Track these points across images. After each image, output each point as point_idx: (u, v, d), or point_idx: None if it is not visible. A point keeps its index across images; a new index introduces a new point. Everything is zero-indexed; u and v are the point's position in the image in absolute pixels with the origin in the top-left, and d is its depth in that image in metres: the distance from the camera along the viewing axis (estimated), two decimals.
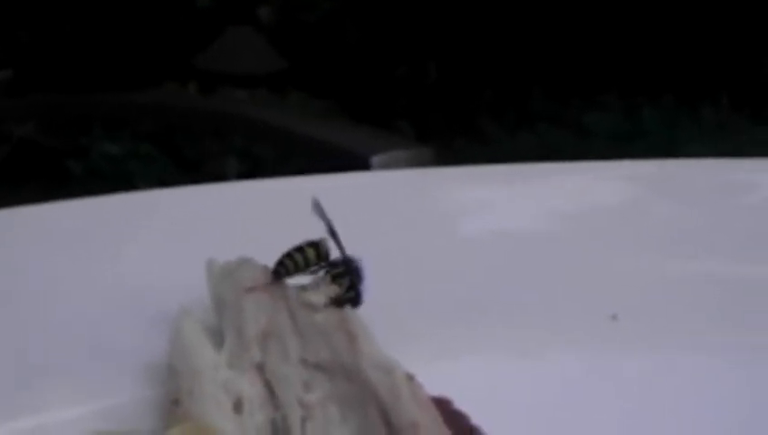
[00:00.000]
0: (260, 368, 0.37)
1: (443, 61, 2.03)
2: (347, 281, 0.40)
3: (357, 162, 1.14)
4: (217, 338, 0.39)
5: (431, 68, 2.03)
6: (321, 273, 0.40)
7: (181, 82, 2.03)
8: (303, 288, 0.39)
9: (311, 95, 1.96)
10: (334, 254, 0.40)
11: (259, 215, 0.47)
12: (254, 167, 1.67)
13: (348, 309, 0.39)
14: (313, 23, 2.05)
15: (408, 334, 0.39)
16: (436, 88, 2.01)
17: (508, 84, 1.94)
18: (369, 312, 0.39)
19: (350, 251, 0.40)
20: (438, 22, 2.02)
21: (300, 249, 0.40)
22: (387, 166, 1.13)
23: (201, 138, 1.79)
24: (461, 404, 0.36)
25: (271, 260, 0.40)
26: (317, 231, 0.40)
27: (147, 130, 1.81)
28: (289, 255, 0.40)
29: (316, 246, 0.40)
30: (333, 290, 0.39)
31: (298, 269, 0.40)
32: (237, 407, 0.36)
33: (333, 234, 0.40)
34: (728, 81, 1.89)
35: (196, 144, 1.80)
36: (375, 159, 1.15)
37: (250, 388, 0.37)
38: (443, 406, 0.35)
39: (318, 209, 0.41)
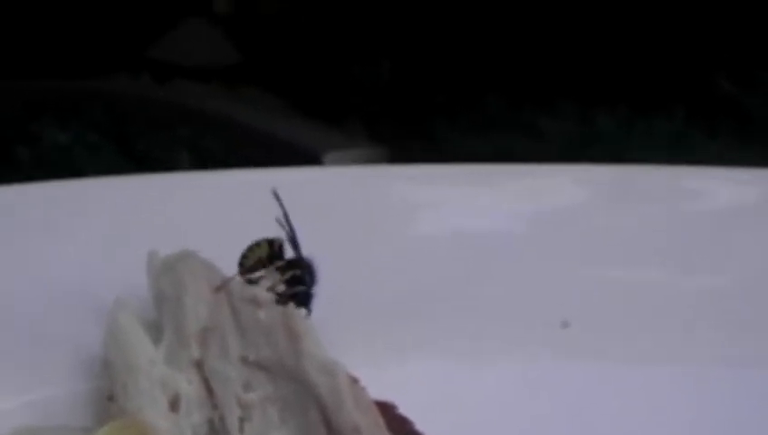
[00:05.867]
0: (199, 365, 0.36)
1: (398, 61, 2.02)
2: (297, 278, 0.38)
3: (309, 159, 1.13)
4: (156, 333, 0.38)
5: (386, 68, 2.03)
6: (273, 270, 0.39)
7: (134, 72, 2.01)
8: (248, 283, 0.38)
9: (264, 90, 1.94)
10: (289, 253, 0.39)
11: (205, 207, 0.46)
12: (205, 160, 1.66)
13: (292, 306, 0.37)
14: (271, 16, 2.03)
15: (352, 336, 0.38)
16: (390, 88, 2.01)
17: (463, 87, 1.93)
18: (315, 311, 0.38)
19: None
20: (395, 22, 2.02)
21: (258, 245, 0.39)
22: (340, 164, 1.12)
23: (152, 129, 1.77)
24: (406, 409, 0.35)
25: (215, 254, 0.39)
26: (264, 225, 0.39)
27: (97, 120, 1.79)
28: (250, 251, 0.38)
29: (271, 243, 0.39)
30: (280, 286, 0.38)
31: (262, 266, 0.38)
32: (174, 405, 0.35)
33: (291, 233, 0.39)
34: (684, 93, 1.90)
35: (146, 135, 1.78)
36: (328, 157, 1.13)
37: (187, 386, 0.35)
38: (387, 411, 0.34)
39: (278, 204, 0.39)
